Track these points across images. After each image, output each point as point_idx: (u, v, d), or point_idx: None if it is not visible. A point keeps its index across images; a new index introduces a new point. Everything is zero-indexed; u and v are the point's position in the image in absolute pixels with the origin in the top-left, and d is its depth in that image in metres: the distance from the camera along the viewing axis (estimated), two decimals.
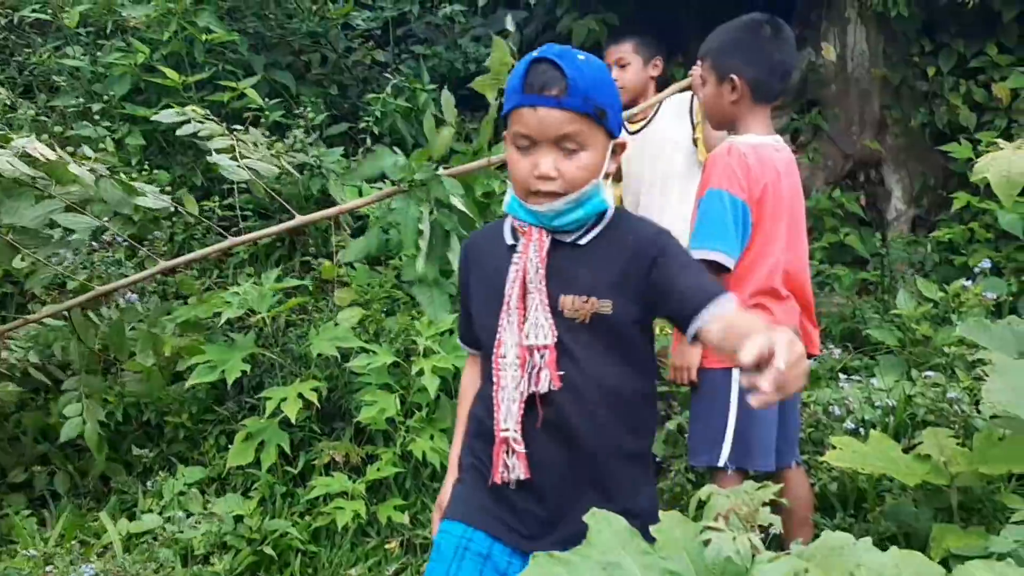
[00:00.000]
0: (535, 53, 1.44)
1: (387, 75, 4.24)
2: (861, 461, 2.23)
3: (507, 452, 1.48)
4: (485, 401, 1.53)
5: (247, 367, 2.77)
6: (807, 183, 4.63)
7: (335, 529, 2.62)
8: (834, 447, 2.31)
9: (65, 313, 2.63)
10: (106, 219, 2.47)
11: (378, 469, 2.74)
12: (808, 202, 4.32)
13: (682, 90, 2.91)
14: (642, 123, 3.22)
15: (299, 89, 4.24)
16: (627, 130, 3.21)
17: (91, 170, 2.34)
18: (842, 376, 2.99)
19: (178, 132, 2.70)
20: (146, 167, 3.73)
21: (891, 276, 3.79)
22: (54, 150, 2.22)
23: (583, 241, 1.50)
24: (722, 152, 2.28)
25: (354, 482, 2.74)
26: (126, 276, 2.82)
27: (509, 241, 1.54)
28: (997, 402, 1.84)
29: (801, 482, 2.47)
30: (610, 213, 1.52)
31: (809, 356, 2.53)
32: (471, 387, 1.66)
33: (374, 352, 2.83)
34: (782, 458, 2.37)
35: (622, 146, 1.50)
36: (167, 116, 2.72)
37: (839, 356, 3.23)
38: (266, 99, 3.83)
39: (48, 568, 2.38)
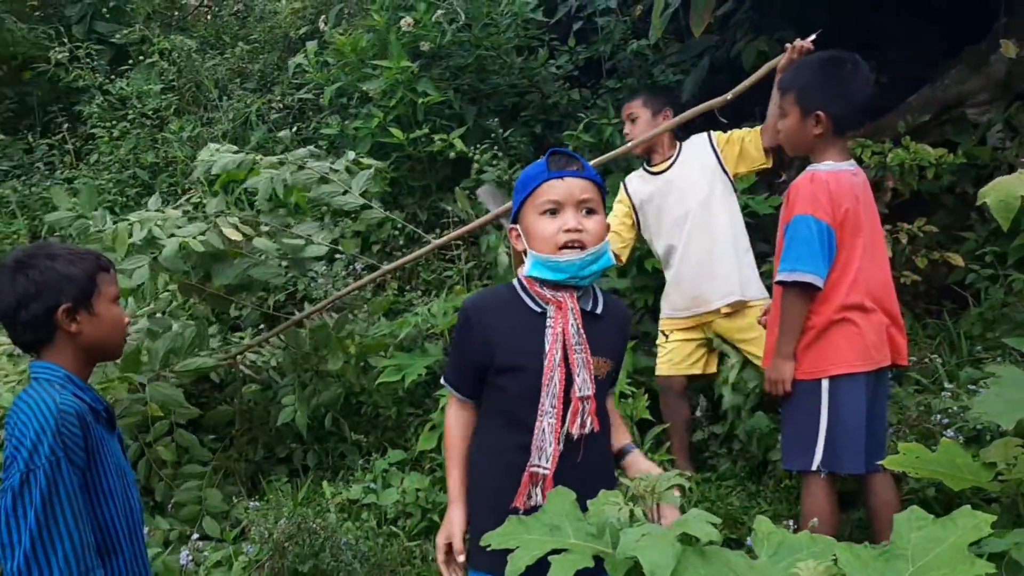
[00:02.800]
0: (549, 152, 1.89)
1: (582, 114, 4.78)
2: (918, 466, 2.35)
3: (534, 485, 1.80)
4: (503, 444, 1.86)
5: (423, 371, 3.49)
6: None
7: None
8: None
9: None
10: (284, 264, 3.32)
11: None
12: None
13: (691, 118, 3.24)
14: (665, 164, 3.47)
15: (508, 131, 4.94)
16: (649, 171, 3.52)
17: (269, 230, 3.21)
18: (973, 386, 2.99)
19: None
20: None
21: None
22: (238, 229, 3.07)
23: (599, 311, 1.88)
24: (805, 181, 2.53)
25: None
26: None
27: (535, 308, 1.84)
28: (985, 413, 1.95)
29: (887, 487, 2.61)
30: (600, 292, 1.92)
31: (897, 366, 2.67)
32: (461, 428, 1.94)
33: None
34: (870, 462, 2.55)
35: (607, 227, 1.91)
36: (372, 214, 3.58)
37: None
38: (476, 144, 4.59)
39: (279, 519, 3.25)
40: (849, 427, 2.50)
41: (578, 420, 1.80)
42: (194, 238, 3.00)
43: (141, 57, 6.45)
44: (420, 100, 4.57)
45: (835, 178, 2.51)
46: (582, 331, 1.81)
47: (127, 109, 6.14)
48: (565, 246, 1.79)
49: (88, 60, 6.47)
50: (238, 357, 3.54)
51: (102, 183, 5.50)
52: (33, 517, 1.59)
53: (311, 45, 5.33)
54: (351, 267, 4.45)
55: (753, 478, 3.36)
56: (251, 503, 3.17)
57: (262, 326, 4.33)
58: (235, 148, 3.27)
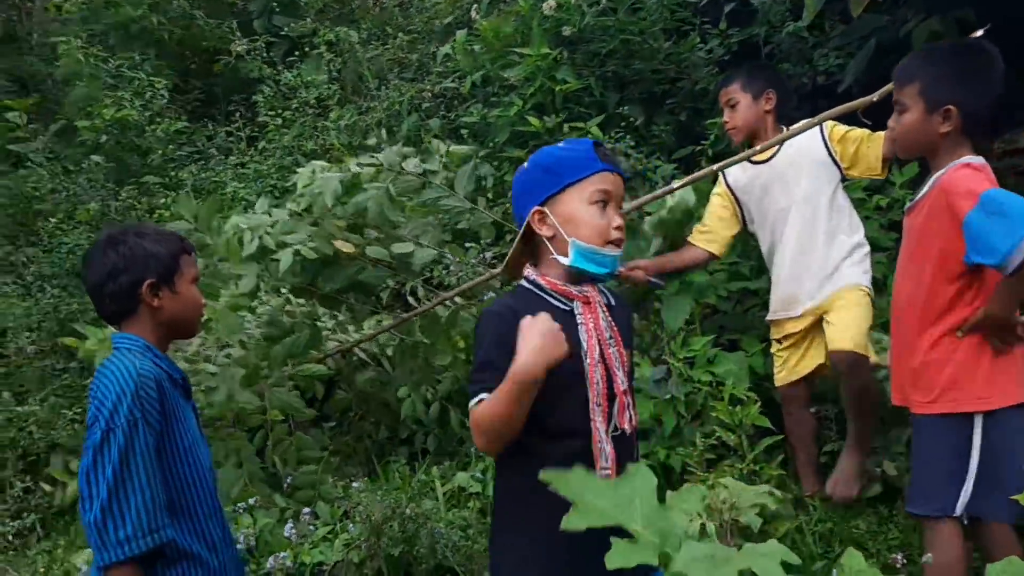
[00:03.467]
0: (588, 140, 1.80)
1: None
2: None
3: None
4: (547, 460, 1.68)
5: None
6: None
7: None
8: None
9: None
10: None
11: None
12: None
13: (817, 124, 2.92)
14: (769, 152, 3.14)
15: (653, 119, 4.77)
16: (752, 163, 3.19)
17: (379, 236, 3.22)
18: None
19: None
20: None
21: None
22: (346, 238, 3.09)
23: (613, 302, 1.82)
24: (962, 170, 2.17)
25: None
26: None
27: (563, 307, 1.73)
28: None
29: (1009, 536, 2.27)
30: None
31: None
32: None
33: (637, 364, 3.27)
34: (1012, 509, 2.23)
35: None
36: None
37: None
38: (616, 132, 4.46)
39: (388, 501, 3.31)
40: (1006, 467, 2.14)
41: (626, 415, 1.74)
42: (305, 247, 3.05)
43: (307, 49, 6.78)
44: (558, 87, 4.50)
45: (988, 169, 2.20)
46: (613, 324, 1.76)
47: (295, 99, 6.48)
48: (612, 241, 1.72)
49: (263, 52, 6.88)
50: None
51: (265, 168, 5.83)
52: (111, 472, 1.69)
53: (460, 34, 5.38)
54: (482, 256, 4.46)
55: (886, 499, 3.06)
56: (354, 484, 3.24)
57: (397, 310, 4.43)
58: (326, 165, 3.28)
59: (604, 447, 1.70)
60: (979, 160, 2.20)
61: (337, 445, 3.98)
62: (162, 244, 1.92)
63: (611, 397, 1.72)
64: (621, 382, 1.74)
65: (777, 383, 3.20)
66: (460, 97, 5.56)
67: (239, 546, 2.87)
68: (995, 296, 2.10)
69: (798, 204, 3.10)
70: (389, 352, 3.85)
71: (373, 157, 3.22)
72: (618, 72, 4.81)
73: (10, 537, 3.76)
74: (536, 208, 1.75)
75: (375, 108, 6.03)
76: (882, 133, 2.97)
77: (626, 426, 1.74)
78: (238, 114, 6.86)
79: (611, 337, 1.75)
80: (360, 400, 4.07)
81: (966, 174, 2.13)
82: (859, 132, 3.05)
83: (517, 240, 1.78)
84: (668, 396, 3.18)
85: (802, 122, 3.03)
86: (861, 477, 2.93)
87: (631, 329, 1.87)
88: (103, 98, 6.66)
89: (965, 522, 2.17)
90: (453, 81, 5.37)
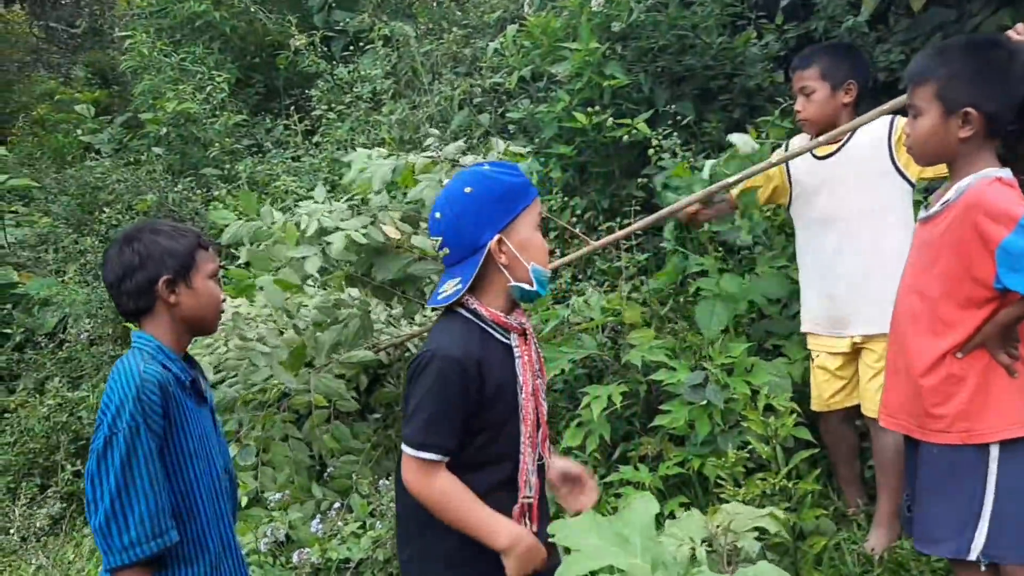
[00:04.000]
0: (514, 164, 1.85)
1: (780, 99, 4.36)
2: None
3: (526, 517, 1.77)
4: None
5: (569, 364, 3.37)
6: None
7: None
8: None
9: None
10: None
11: (667, 468, 3.10)
12: None
13: (887, 113, 2.63)
14: (833, 147, 2.89)
15: (704, 115, 4.64)
16: (814, 155, 2.93)
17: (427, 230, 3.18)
18: None
19: None
20: (562, 195, 4.56)
21: None
22: (396, 226, 3.06)
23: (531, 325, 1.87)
24: (995, 185, 1.98)
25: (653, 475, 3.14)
26: None
27: (503, 340, 1.78)
28: None
29: None
30: None
31: None
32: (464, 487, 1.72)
33: (674, 368, 3.18)
34: None
35: None
36: None
37: None
38: (664, 128, 4.36)
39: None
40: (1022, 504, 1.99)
41: (547, 444, 1.83)
42: (356, 231, 3.06)
43: (362, 44, 6.82)
44: (605, 83, 4.42)
45: (1017, 184, 2.03)
46: (541, 356, 1.84)
47: (350, 93, 6.53)
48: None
49: (318, 47, 6.96)
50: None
51: (317, 162, 5.89)
52: (113, 479, 1.70)
53: (511, 28, 5.34)
54: None
55: None
56: (382, 481, 3.24)
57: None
58: (386, 152, 3.25)
59: (531, 478, 1.77)
60: (1007, 173, 2.02)
61: (380, 439, 3.98)
62: (177, 240, 1.93)
63: (537, 426, 1.79)
64: (545, 413, 1.83)
65: (812, 407, 3.04)
66: (509, 93, 5.51)
67: (265, 540, 2.90)
68: (1010, 310, 1.94)
69: (847, 218, 2.85)
70: None
71: (430, 151, 3.22)
72: (669, 68, 4.69)
73: (38, 525, 3.87)
74: (498, 235, 1.75)
75: (426, 103, 6.03)
76: None
77: (547, 456, 1.84)
78: (293, 108, 6.95)
79: (539, 368, 1.82)
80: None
81: (998, 191, 1.94)
82: None
83: (478, 267, 1.74)
84: (704, 401, 3.08)
85: (864, 115, 2.70)
86: (895, 530, 2.81)
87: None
88: (166, 91, 6.82)
89: (983, 568, 1.99)
90: (502, 77, 5.33)
